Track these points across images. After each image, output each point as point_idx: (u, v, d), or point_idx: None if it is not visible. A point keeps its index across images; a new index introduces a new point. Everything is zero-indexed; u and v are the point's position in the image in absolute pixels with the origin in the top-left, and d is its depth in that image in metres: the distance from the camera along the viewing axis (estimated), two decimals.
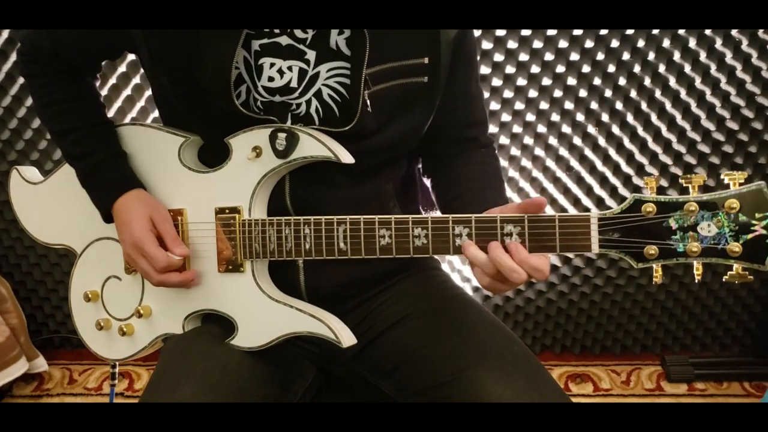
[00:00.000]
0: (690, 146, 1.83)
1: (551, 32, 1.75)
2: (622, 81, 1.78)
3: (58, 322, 2.15)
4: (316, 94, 0.93)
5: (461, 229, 0.83)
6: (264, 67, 0.92)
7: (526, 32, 1.76)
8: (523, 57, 1.79)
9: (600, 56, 1.76)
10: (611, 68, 1.77)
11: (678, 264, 0.75)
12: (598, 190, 1.90)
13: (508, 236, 0.80)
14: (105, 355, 1.08)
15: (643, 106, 1.81)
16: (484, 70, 1.80)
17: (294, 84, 0.92)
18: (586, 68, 1.78)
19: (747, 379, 1.97)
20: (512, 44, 1.77)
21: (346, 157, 0.89)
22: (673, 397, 1.93)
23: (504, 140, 1.87)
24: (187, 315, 0.99)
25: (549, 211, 1.77)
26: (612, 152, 1.86)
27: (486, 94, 1.82)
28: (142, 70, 1.86)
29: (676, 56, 1.75)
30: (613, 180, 1.89)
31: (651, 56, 1.75)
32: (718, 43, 1.72)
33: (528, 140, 1.87)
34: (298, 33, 0.91)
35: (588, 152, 1.87)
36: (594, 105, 1.82)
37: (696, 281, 0.80)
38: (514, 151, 1.89)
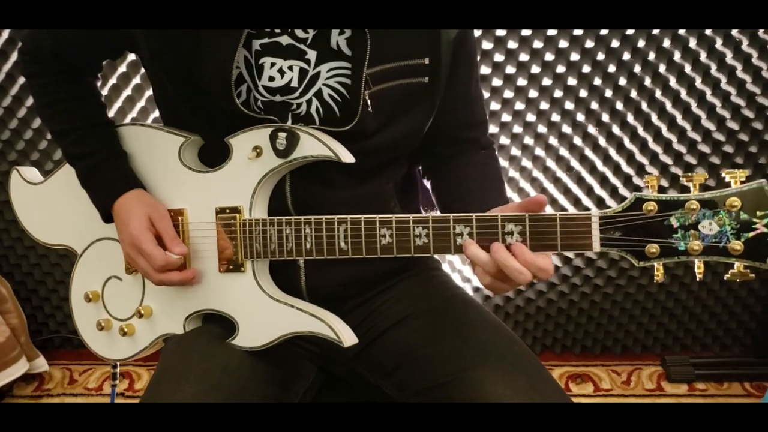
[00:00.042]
0: (690, 146, 1.83)
1: (551, 32, 1.75)
2: (622, 81, 1.78)
3: (58, 322, 2.15)
4: (317, 93, 0.93)
5: (462, 228, 0.83)
6: (265, 67, 0.92)
7: (526, 32, 1.76)
8: (524, 57, 1.79)
9: (600, 56, 1.76)
10: (611, 68, 1.77)
11: (678, 263, 0.75)
12: (598, 190, 1.90)
13: (509, 235, 0.80)
14: (106, 356, 1.07)
15: (644, 106, 1.81)
16: (485, 70, 1.80)
17: (294, 84, 0.92)
18: (586, 68, 1.78)
19: (747, 379, 1.97)
20: (512, 44, 1.78)
21: (347, 157, 0.89)
22: (674, 398, 1.93)
23: (504, 140, 1.87)
24: (188, 315, 0.99)
25: (549, 210, 1.77)
26: (612, 152, 1.86)
27: (486, 95, 1.82)
28: (142, 71, 1.86)
29: (677, 56, 1.75)
30: (614, 180, 1.89)
31: (651, 56, 1.75)
32: (719, 43, 1.72)
33: (528, 140, 1.87)
34: (299, 33, 0.91)
35: (588, 152, 1.87)
36: (594, 105, 1.82)
37: (697, 279, 0.80)
38: (515, 151, 1.89)
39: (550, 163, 1.89)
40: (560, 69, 1.78)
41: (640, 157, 1.85)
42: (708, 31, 1.72)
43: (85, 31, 0.95)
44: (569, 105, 1.82)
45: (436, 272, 1.13)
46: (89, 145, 1.00)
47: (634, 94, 1.80)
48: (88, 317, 1.07)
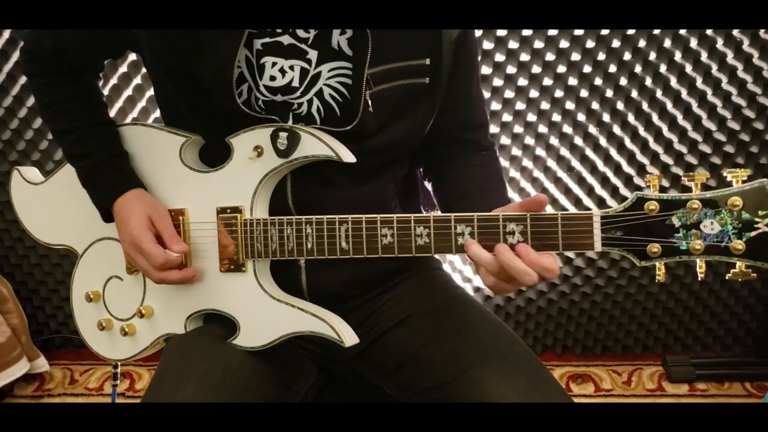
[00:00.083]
0: (691, 146, 1.83)
1: (552, 32, 1.75)
2: (623, 81, 1.78)
3: (59, 322, 2.16)
4: (318, 93, 0.93)
5: (463, 228, 0.82)
6: (266, 67, 0.92)
7: (527, 32, 1.76)
8: (524, 57, 1.79)
9: (601, 56, 1.76)
10: (612, 68, 1.77)
11: (679, 263, 0.75)
12: (599, 190, 1.90)
13: (511, 235, 0.80)
14: (107, 356, 1.07)
15: (644, 106, 1.81)
16: (485, 70, 1.80)
17: (296, 83, 0.92)
18: (587, 68, 1.78)
19: (748, 379, 1.97)
20: (513, 44, 1.78)
21: (348, 157, 0.89)
22: (675, 398, 1.93)
23: (505, 140, 1.87)
24: (189, 315, 0.99)
25: (550, 210, 1.77)
26: (613, 152, 1.86)
27: (487, 95, 1.82)
28: (143, 71, 1.86)
29: (677, 56, 1.75)
30: (614, 180, 1.89)
31: (652, 56, 1.75)
32: (719, 44, 1.72)
33: (529, 140, 1.87)
34: (300, 32, 0.91)
35: (589, 152, 1.87)
36: (595, 105, 1.82)
37: (699, 279, 0.79)
38: (515, 152, 1.89)
39: (551, 163, 1.89)
40: (561, 69, 1.78)
41: (640, 157, 1.85)
42: (709, 31, 1.72)
43: (86, 30, 0.95)
44: (570, 105, 1.82)
45: (437, 272, 1.13)
46: (90, 145, 1.00)
47: (634, 94, 1.80)
48: (89, 317, 1.07)
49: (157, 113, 1.86)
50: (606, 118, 1.83)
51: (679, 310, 2.01)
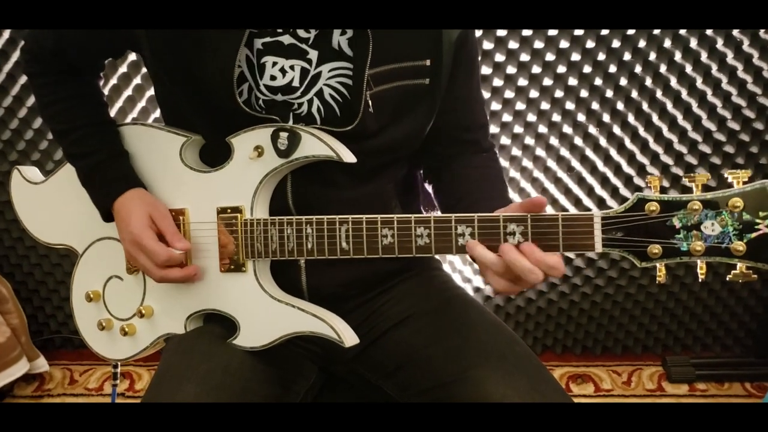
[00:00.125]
0: (691, 146, 1.83)
1: (552, 32, 1.75)
2: (623, 81, 1.78)
3: (59, 322, 2.15)
4: (318, 93, 0.93)
5: (464, 229, 0.82)
6: (266, 66, 0.92)
7: (527, 32, 1.76)
8: (524, 57, 1.79)
9: (601, 56, 1.76)
10: (612, 68, 1.77)
11: (680, 264, 0.75)
12: (599, 190, 1.90)
13: (511, 235, 0.80)
14: (107, 355, 1.07)
15: (644, 106, 1.81)
16: (485, 70, 1.80)
17: (296, 83, 0.92)
18: (587, 68, 1.78)
19: (748, 379, 1.97)
20: (513, 44, 1.78)
21: (349, 157, 0.89)
22: (674, 398, 1.93)
23: (505, 140, 1.87)
24: (189, 315, 0.99)
25: (550, 211, 1.77)
26: (613, 152, 1.86)
27: (487, 95, 1.82)
28: (143, 71, 1.86)
29: (677, 56, 1.75)
30: (614, 180, 1.89)
31: (652, 56, 1.75)
32: (719, 44, 1.72)
33: (529, 140, 1.87)
34: (301, 32, 0.91)
35: (589, 152, 1.87)
36: (595, 105, 1.82)
37: (700, 280, 0.79)
38: (515, 152, 1.89)
39: (551, 164, 1.89)
40: (561, 69, 1.78)
41: (640, 158, 1.85)
42: (709, 32, 1.72)
43: (87, 30, 0.95)
44: (570, 105, 1.82)
45: (437, 272, 1.13)
46: (90, 144, 1.00)
47: (634, 94, 1.80)
48: (89, 317, 1.07)
49: (157, 113, 1.88)
50: (606, 118, 1.83)
51: (679, 310, 2.01)
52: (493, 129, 1.85)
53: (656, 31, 1.73)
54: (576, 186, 1.91)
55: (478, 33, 1.75)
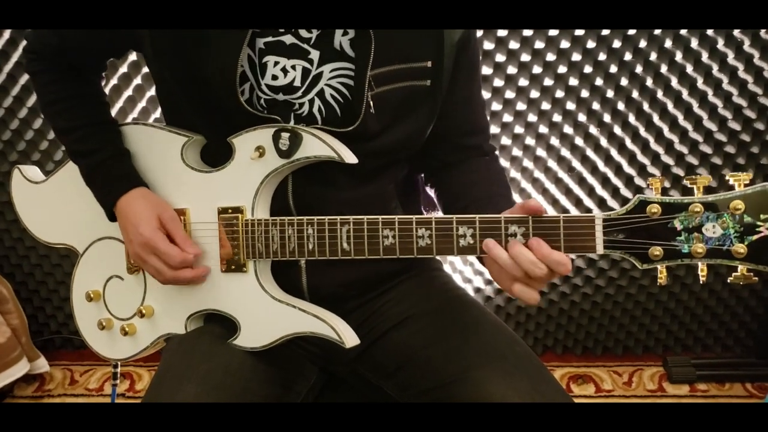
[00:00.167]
0: (692, 147, 1.83)
1: (553, 32, 1.75)
2: (623, 82, 1.78)
3: (59, 322, 2.15)
4: (319, 93, 0.93)
5: (465, 230, 0.82)
6: (268, 66, 0.92)
7: (527, 32, 1.76)
8: (525, 57, 1.78)
9: (602, 57, 1.76)
10: (613, 69, 1.77)
11: (681, 265, 0.75)
12: (599, 190, 1.90)
13: (512, 236, 0.80)
14: (107, 355, 1.07)
15: (645, 106, 1.81)
16: (486, 70, 1.80)
17: (297, 83, 0.92)
18: (587, 69, 1.78)
19: (749, 380, 1.97)
20: (514, 45, 1.78)
21: (350, 158, 0.89)
22: (675, 398, 1.93)
23: (506, 141, 1.87)
24: (190, 315, 0.99)
25: (551, 211, 1.77)
26: (614, 153, 1.86)
27: (487, 95, 1.82)
28: (143, 71, 1.86)
29: (678, 57, 1.75)
30: (615, 181, 1.89)
31: (653, 57, 1.75)
32: (720, 44, 1.72)
33: (529, 141, 1.87)
34: (303, 32, 0.91)
35: (590, 153, 1.87)
36: (596, 105, 1.82)
37: (701, 282, 0.79)
38: (516, 152, 1.88)
39: (552, 164, 1.89)
40: (561, 69, 1.78)
41: (641, 158, 1.85)
42: (709, 32, 1.72)
43: (90, 30, 0.95)
44: (570, 105, 1.82)
45: (438, 273, 1.13)
46: (94, 142, 1.00)
47: (635, 94, 1.80)
48: (89, 317, 1.07)
49: (157, 113, 1.88)
50: (607, 118, 1.83)
51: (680, 310, 2.01)
52: (494, 129, 1.85)
53: (657, 32, 1.73)
54: (576, 186, 1.91)
55: (479, 33, 1.75)
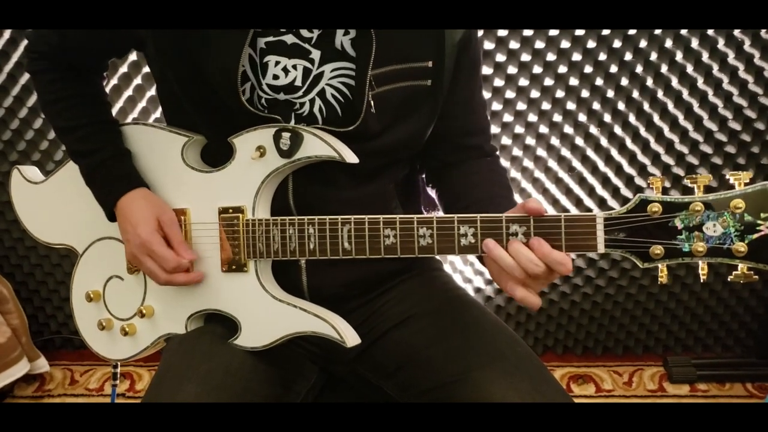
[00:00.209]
0: (692, 147, 1.83)
1: (553, 32, 1.75)
2: (624, 81, 1.78)
3: (59, 322, 2.15)
4: (320, 93, 0.93)
5: (466, 229, 0.82)
6: (269, 65, 0.92)
7: (528, 32, 1.76)
8: (525, 57, 1.79)
9: (602, 57, 1.76)
10: (613, 69, 1.77)
11: (681, 265, 0.75)
12: (600, 190, 1.90)
13: (514, 236, 0.80)
14: (107, 356, 1.07)
15: (645, 106, 1.81)
16: (486, 70, 1.80)
17: (298, 83, 0.92)
18: (588, 69, 1.78)
19: (749, 380, 1.97)
20: (514, 44, 1.78)
21: (351, 157, 0.89)
22: (676, 398, 1.93)
23: (506, 141, 1.87)
24: (190, 315, 0.99)
25: (551, 211, 1.77)
26: (614, 153, 1.86)
27: (488, 95, 1.82)
28: (143, 71, 1.86)
29: (678, 57, 1.75)
30: (615, 180, 1.89)
31: (653, 57, 1.75)
32: (721, 44, 1.72)
33: (530, 141, 1.87)
34: (304, 32, 0.91)
35: (590, 153, 1.87)
36: (596, 105, 1.82)
37: (701, 281, 0.79)
38: (516, 152, 1.89)
39: (552, 164, 1.89)
40: (562, 69, 1.78)
41: (641, 158, 1.85)
42: (710, 32, 1.72)
43: (91, 30, 0.95)
44: (571, 105, 1.82)
45: (438, 273, 1.13)
46: (95, 142, 1.00)
47: (635, 94, 1.80)
48: (89, 317, 1.07)
49: (158, 113, 1.88)
50: (607, 118, 1.83)
51: (680, 310, 2.01)
52: (494, 129, 1.85)
53: (657, 31, 1.73)
54: (577, 186, 1.91)
55: (479, 33, 1.75)
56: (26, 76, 1.88)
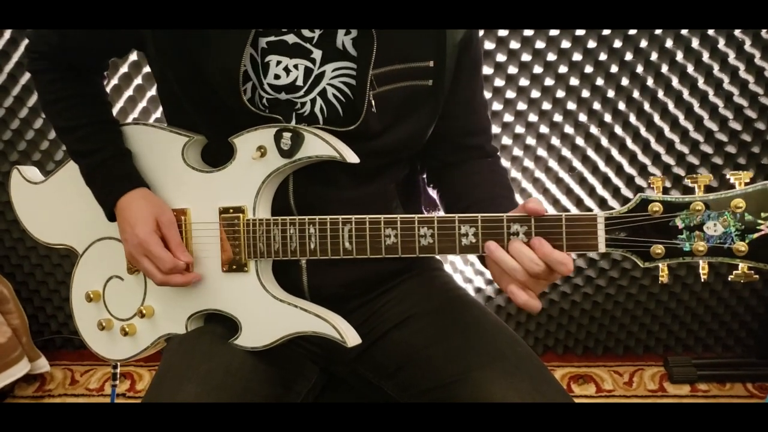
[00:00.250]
0: (693, 147, 1.83)
1: (554, 32, 1.75)
2: (624, 81, 1.78)
3: (59, 322, 2.15)
4: (321, 93, 0.93)
5: (467, 229, 0.82)
6: (270, 65, 0.92)
7: (528, 32, 1.76)
8: (526, 57, 1.78)
9: (602, 57, 1.76)
10: (614, 69, 1.77)
11: (681, 264, 0.75)
12: (600, 190, 1.90)
13: (515, 235, 0.80)
14: (106, 356, 1.07)
15: (646, 106, 1.81)
16: (487, 70, 1.80)
17: (299, 82, 0.92)
18: (588, 69, 1.78)
19: (750, 380, 1.97)
20: (514, 44, 1.78)
21: (352, 157, 0.89)
22: (676, 398, 1.93)
23: (506, 141, 1.87)
24: (190, 315, 0.98)
25: (552, 211, 1.77)
26: (614, 153, 1.86)
27: (488, 95, 1.82)
28: (143, 71, 1.86)
29: (679, 57, 1.75)
30: (616, 180, 1.89)
31: (654, 57, 1.75)
32: (721, 44, 1.72)
33: (530, 141, 1.87)
34: (305, 32, 0.91)
35: (590, 153, 1.87)
36: (596, 105, 1.82)
37: (702, 280, 0.79)
38: (517, 152, 1.88)
39: (552, 164, 1.89)
40: (562, 69, 1.78)
41: (642, 158, 1.85)
42: (710, 32, 1.72)
43: (91, 30, 0.95)
44: (571, 105, 1.82)
45: (438, 273, 1.13)
46: (95, 142, 1.00)
47: (636, 94, 1.80)
48: (89, 317, 1.07)
49: (158, 113, 1.88)
50: (607, 118, 1.83)
51: (681, 310, 2.01)
52: (495, 129, 1.85)
53: (658, 32, 1.73)
54: (577, 186, 1.91)
55: (480, 33, 1.74)
56: (27, 76, 1.88)
